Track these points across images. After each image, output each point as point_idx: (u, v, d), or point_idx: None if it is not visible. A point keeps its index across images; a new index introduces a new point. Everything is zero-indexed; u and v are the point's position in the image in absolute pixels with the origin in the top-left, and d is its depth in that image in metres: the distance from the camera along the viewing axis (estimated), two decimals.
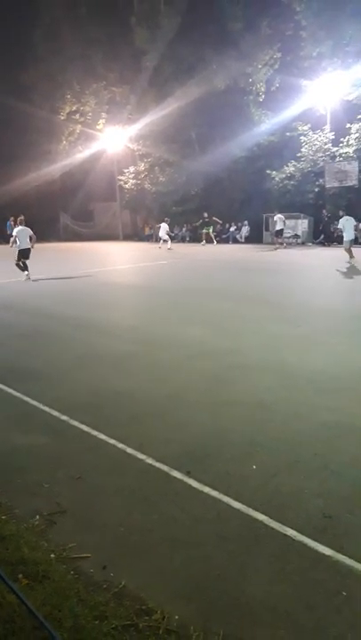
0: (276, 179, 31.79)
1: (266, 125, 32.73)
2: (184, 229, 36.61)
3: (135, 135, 36.81)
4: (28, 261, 15.12)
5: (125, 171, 39.65)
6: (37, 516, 3.00)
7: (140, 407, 4.84)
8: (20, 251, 15.16)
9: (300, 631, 2.15)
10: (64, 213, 44.63)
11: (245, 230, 32.48)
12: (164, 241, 28.32)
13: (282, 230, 27.49)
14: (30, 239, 15.24)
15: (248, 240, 30.58)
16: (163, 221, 29.52)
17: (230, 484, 3.43)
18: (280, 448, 3.92)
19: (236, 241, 31.58)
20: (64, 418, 4.55)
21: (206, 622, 2.18)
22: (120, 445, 4.08)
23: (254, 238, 31.18)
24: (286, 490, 3.19)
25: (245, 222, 32.37)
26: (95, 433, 4.30)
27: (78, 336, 7.92)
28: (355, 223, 18.23)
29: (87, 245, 34.02)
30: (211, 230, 30.56)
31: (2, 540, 2.67)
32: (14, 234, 15.26)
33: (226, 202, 33.25)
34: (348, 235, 17.58)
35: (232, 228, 32.05)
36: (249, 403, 4.85)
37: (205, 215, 30.26)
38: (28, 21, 34.41)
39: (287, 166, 31.62)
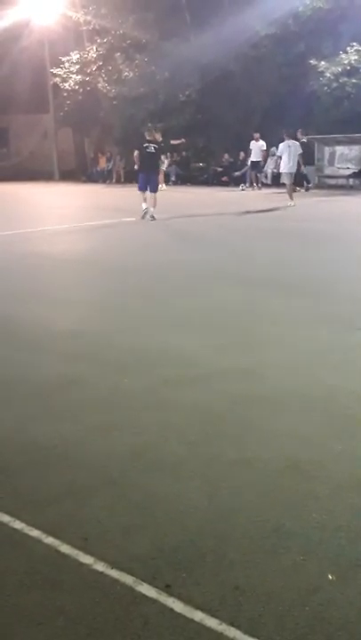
0: (327, 74, 26.42)
1: None
2: (166, 162, 30.21)
3: None
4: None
5: (65, 59, 34.01)
6: None
7: (82, 473, 3.97)
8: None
9: None
10: None
11: (272, 164, 28.70)
12: None
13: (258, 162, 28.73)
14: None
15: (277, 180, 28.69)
16: None
17: (241, 607, 2.77)
18: (326, 540, 3.28)
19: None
20: None
21: None
22: (48, 540, 3.24)
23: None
24: (337, 616, 2.84)
25: (273, 150, 28.42)
26: (5, 518, 3.48)
27: None
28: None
29: None
30: None
31: None
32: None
33: (239, 114, 28.89)
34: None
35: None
36: (274, 463, 4.06)
37: None
38: None
39: (345, 53, 26.64)
